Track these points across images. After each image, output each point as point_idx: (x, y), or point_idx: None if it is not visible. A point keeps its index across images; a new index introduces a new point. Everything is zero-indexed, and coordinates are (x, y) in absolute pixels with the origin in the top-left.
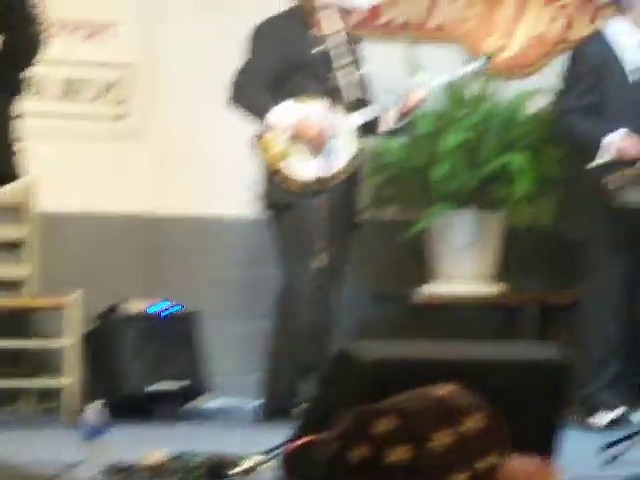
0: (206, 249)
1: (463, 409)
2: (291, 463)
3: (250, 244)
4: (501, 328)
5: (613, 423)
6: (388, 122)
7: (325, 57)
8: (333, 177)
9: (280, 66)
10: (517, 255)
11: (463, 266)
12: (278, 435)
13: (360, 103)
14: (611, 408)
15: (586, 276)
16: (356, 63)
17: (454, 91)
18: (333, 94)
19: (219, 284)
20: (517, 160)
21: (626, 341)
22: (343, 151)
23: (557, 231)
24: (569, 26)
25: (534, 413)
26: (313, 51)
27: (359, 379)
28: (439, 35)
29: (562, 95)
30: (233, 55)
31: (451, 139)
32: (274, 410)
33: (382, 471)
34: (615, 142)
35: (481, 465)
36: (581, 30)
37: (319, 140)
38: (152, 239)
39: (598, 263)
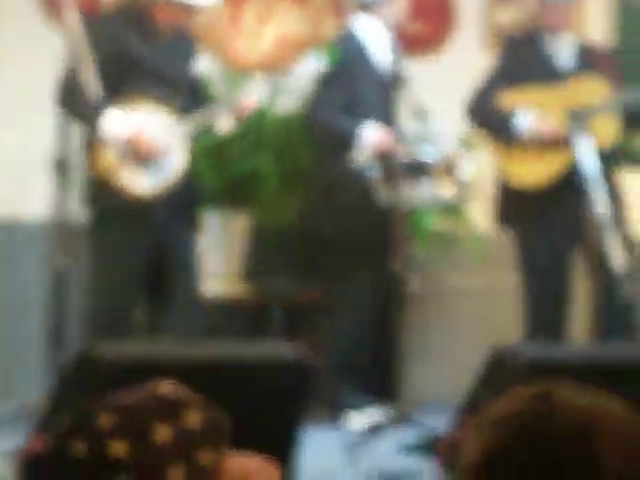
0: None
1: (182, 404)
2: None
3: None
4: (248, 327)
5: (366, 425)
6: (223, 128)
7: (160, 58)
8: (167, 189)
9: (113, 66)
10: (265, 255)
11: (210, 265)
12: None
13: (192, 107)
14: (359, 409)
15: (335, 277)
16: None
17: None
18: (166, 97)
19: None
20: (266, 160)
21: (375, 343)
22: (176, 162)
23: (306, 231)
24: (318, 26)
25: (273, 411)
26: (146, 50)
27: None
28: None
29: (317, 94)
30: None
31: (200, 140)
32: None
33: (103, 466)
34: (369, 138)
35: (199, 460)
36: (331, 30)
37: (151, 155)
38: None
39: (348, 264)
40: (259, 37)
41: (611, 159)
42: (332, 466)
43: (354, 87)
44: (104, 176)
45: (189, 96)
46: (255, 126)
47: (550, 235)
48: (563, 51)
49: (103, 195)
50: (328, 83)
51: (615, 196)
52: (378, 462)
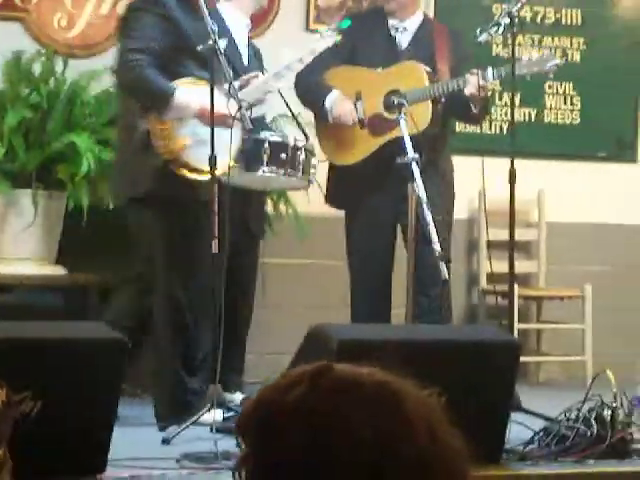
0: None
1: None
2: None
3: None
4: (64, 309)
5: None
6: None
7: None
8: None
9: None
10: (80, 237)
11: (24, 247)
12: None
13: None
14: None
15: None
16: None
17: (18, 68)
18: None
19: None
20: (80, 141)
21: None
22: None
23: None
24: None
25: (98, 386)
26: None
27: None
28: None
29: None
30: None
31: (11, 118)
32: None
33: None
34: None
35: None
36: None
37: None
38: None
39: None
40: (76, 16)
41: (435, 141)
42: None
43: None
44: (173, 152)
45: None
46: (67, 105)
47: (372, 216)
48: (403, 35)
49: None
50: None
51: (438, 177)
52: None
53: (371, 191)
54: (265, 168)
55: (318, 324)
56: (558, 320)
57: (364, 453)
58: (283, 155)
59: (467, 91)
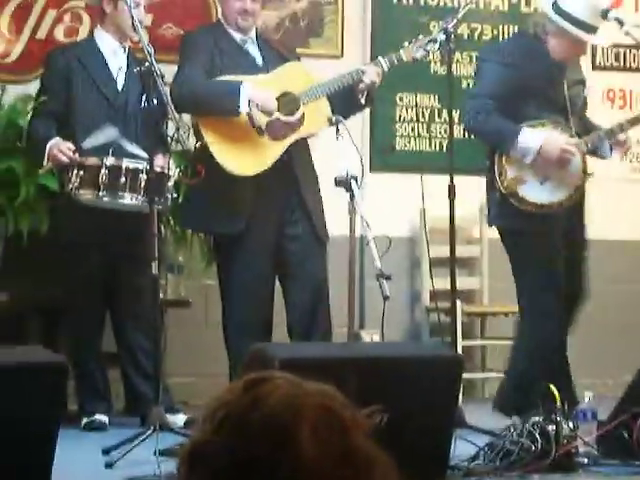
0: None
1: None
2: None
3: None
4: (10, 335)
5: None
6: None
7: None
8: (560, 204)
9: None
10: (21, 262)
11: None
12: None
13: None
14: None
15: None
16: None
17: None
18: (563, 116)
19: None
20: (18, 166)
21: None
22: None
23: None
24: (75, 29)
25: (38, 410)
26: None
27: None
28: None
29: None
30: None
31: None
32: None
33: None
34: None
35: None
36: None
37: (560, 165)
38: None
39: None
40: (14, 41)
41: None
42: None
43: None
44: (511, 187)
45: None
46: (5, 129)
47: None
48: (251, 45)
49: None
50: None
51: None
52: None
53: (256, 207)
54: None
55: (259, 344)
56: (502, 336)
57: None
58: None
59: (367, 80)
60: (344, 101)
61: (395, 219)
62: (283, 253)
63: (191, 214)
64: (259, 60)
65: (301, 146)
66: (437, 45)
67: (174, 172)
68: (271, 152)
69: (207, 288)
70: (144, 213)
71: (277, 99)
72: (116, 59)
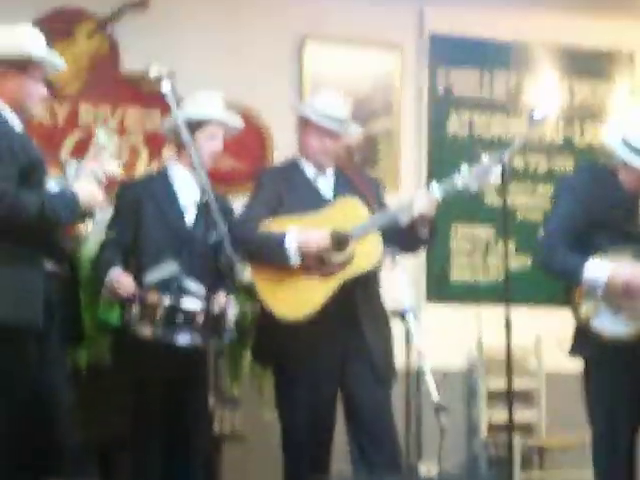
0: None
1: None
2: None
3: None
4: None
5: None
6: None
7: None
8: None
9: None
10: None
11: None
12: None
13: None
14: None
15: None
16: None
17: None
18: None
19: None
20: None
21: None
22: None
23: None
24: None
25: None
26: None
27: None
28: None
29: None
30: None
31: None
32: None
33: None
34: None
35: None
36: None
37: (628, 297)
38: None
39: None
40: None
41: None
42: None
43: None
44: (585, 319)
45: None
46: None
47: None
48: (324, 180)
49: None
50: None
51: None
52: None
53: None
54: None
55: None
56: (562, 467)
57: None
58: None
59: (416, 211)
60: (402, 235)
61: (452, 350)
62: (345, 390)
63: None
64: (329, 195)
65: (363, 282)
66: (492, 176)
67: (234, 311)
68: (322, 292)
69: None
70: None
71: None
72: (189, 192)
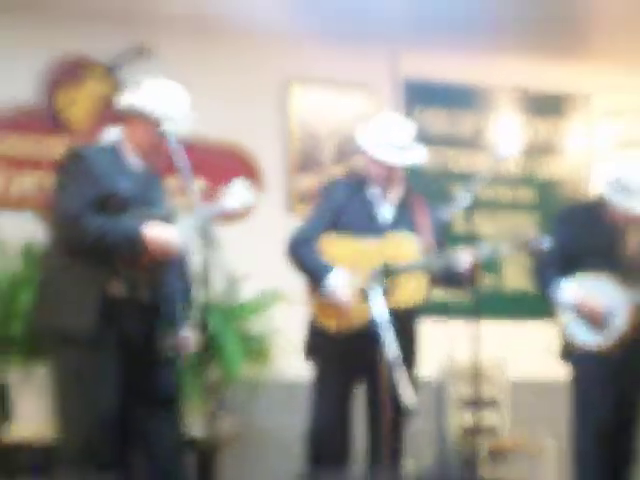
0: None
1: None
2: None
3: None
4: None
5: None
6: None
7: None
8: (613, 347)
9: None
10: None
11: None
12: None
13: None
14: None
15: None
16: None
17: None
18: (618, 268)
19: None
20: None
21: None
22: (619, 323)
23: None
24: None
25: None
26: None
27: None
28: None
29: None
30: None
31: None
32: None
33: None
34: None
35: None
36: None
37: (597, 318)
38: None
39: None
40: None
41: (412, 312)
42: None
43: None
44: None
45: None
46: None
47: (341, 373)
48: (385, 206)
49: None
50: None
51: (408, 341)
52: None
53: (344, 350)
54: None
55: (307, 469)
56: (523, 465)
57: None
58: None
59: (460, 268)
60: (448, 278)
61: (426, 362)
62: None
63: None
64: (387, 222)
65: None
66: (461, 207)
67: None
68: (358, 316)
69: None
70: None
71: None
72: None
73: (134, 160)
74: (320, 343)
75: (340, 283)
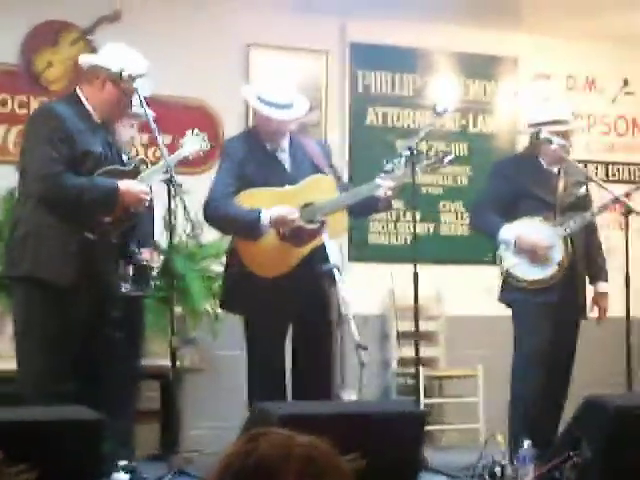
0: None
1: None
2: None
3: None
4: None
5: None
6: None
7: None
8: (551, 278)
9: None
10: None
11: None
12: None
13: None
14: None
15: None
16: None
17: None
18: (549, 209)
19: None
20: None
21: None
22: (557, 257)
23: None
24: None
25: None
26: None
27: None
28: None
29: None
30: None
31: None
32: None
33: None
34: None
35: None
36: None
37: (537, 254)
38: None
39: None
40: None
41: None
42: None
43: None
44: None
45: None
46: None
47: (277, 317)
48: (284, 154)
49: None
50: None
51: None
52: None
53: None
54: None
55: (259, 403)
56: (457, 394)
57: None
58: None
59: (381, 193)
60: (364, 208)
61: (370, 299)
62: (298, 334)
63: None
64: (289, 167)
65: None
66: (403, 159)
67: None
68: (293, 257)
69: (217, 358)
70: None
71: (301, 207)
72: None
73: (95, 116)
74: (250, 292)
75: (275, 218)
